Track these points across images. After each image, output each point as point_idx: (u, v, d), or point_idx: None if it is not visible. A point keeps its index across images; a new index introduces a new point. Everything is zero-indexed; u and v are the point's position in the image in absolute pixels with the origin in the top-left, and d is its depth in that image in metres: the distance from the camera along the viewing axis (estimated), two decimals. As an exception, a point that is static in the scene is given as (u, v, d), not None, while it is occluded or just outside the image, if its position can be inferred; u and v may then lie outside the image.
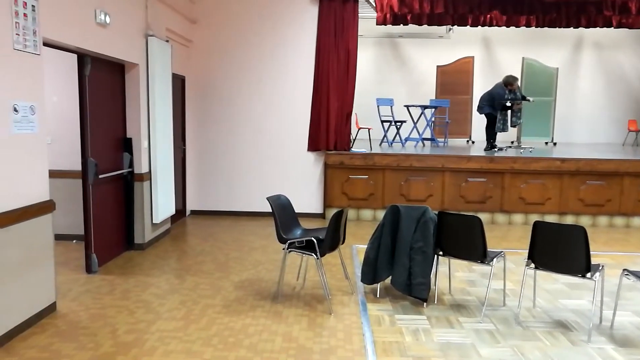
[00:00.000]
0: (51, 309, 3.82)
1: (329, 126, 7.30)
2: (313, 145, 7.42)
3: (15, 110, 3.38)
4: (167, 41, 6.06)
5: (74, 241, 5.79)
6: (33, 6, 3.53)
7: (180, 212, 7.21)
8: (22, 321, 3.48)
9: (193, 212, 7.66)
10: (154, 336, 3.46)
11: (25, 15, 3.44)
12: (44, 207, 3.69)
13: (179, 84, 6.95)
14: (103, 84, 4.95)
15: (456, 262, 4.67)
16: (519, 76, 9.94)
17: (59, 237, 4.97)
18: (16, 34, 3.37)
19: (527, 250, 3.75)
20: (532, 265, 3.76)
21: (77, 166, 5.35)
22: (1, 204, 3.24)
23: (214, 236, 6.34)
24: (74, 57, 4.61)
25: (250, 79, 7.42)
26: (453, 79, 11.17)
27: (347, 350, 3.31)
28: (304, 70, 7.34)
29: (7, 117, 3.30)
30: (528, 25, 7.63)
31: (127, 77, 5.42)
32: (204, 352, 3.24)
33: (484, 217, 3.82)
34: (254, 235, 6.41)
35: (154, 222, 5.79)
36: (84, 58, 4.57)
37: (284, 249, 4.08)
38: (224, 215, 7.59)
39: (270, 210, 4.13)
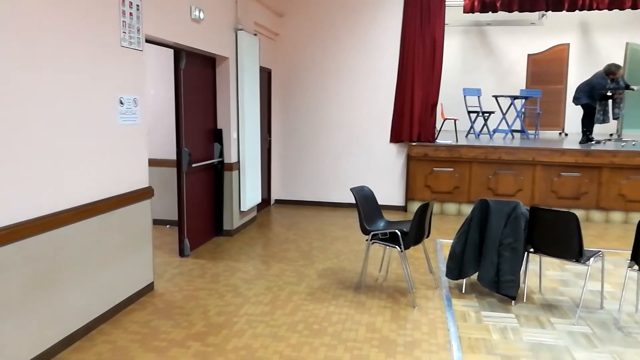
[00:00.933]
0: (149, 288, 4.10)
1: (412, 117, 7.19)
2: (396, 137, 7.34)
3: (121, 102, 3.65)
4: (255, 35, 6.23)
5: (168, 226, 6.16)
6: (138, 5, 3.77)
7: (266, 201, 7.43)
8: (125, 298, 3.76)
9: (277, 202, 7.88)
10: (242, 319, 3.61)
11: (130, 14, 3.69)
12: (144, 193, 3.96)
13: (265, 76, 7.14)
14: (196, 78, 5.20)
15: (547, 260, 4.45)
16: (621, 63, 9.20)
17: (153, 222, 5.31)
18: (123, 32, 3.62)
19: (630, 251, 3.49)
20: (636, 267, 3.50)
21: (170, 155, 5.69)
22: (108, 189, 3.52)
23: (297, 225, 6.49)
24: (167, 52, 4.88)
25: (334, 71, 7.47)
26: (545, 68, 10.55)
27: (431, 345, 3.27)
28: (388, 60, 7.27)
29: (114, 109, 3.57)
30: (634, 7, 7.03)
31: (218, 71, 5.65)
32: (289, 337, 3.33)
33: (577, 214, 3.59)
34: (335, 225, 6.47)
35: (241, 209, 6.02)
36: (179, 53, 4.82)
37: (367, 240, 4.09)
38: (306, 205, 7.73)
39: (352, 202, 4.16)
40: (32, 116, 2.82)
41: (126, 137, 3.72)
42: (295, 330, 3.44)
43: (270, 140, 7.55)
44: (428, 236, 4.23)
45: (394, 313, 3.75)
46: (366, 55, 7.36)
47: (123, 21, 3.61)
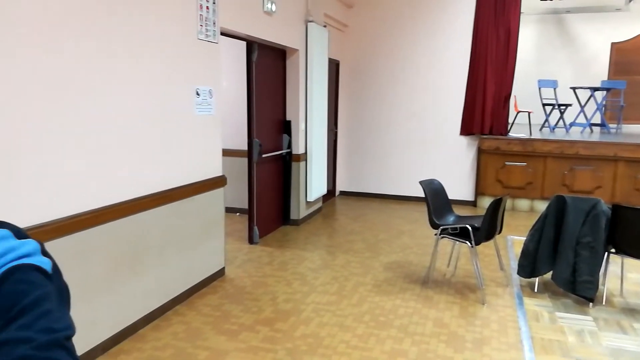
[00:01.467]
0: (221, 273, 4.26)
1: (484, 109, 6.97)
2: (466, 129, 7.15)
3: (197, 94, 3.79)
4: (325, 26, 6.26)
5: (237, 214, 6.35)
6: (214, -1, 3.90)
7: (331, 192, 7.49)
8: (199, 281, 3.93)
9: (342, 193, 7.91)
10: (309, 307, 3.67)
11: (207, 7, 3.82)
12: (218, 182, 4.10)
13: (333, 68, 7.17)
14: (267, 69, 5.30)
15: (630, 262, 4.19)
16: None
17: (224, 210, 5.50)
18: (200, 25, 3.75)
19: None
20: None
21: (240, 146, 5.86)
22: (184, 177, 3.68)
23: (363, 217, 6.49)
24: (238, 45, 4.99)
25: (403, 63, 7.37)
26: (632, 58, 9.89)
27: (501, 343, 3.18)
28: (459, 52, 7.07)
29: (191, 100, 3.71)
30: None
31: (288, 62, 5.73)
32: (356, 327, 3.36)
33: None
34: (401, 218, 6.41)
35: (307, 200, 6.10)
36: (252, 45, 4.93)
37: (435, 234, 4.03)
38: (371, 197, 7.71)
39: (419, 195, 4.10)
40: (127, 108, 3.00)
41: (202, 127, 3.87)
42: (362, 321, 3.46)
43: (336, 132, 7.58)
44: (500, 232, 4.10)
45: (462, 309, 3.68)
46: (436, 46, 7.20)
47: (200, 14, 3.74)
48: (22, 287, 0.87)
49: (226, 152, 6.06)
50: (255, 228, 5.25)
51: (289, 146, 5.81)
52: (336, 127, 7.55)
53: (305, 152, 6.02)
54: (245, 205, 5.49)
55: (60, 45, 2.56)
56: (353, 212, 6.79)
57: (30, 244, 0.93)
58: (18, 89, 2.36)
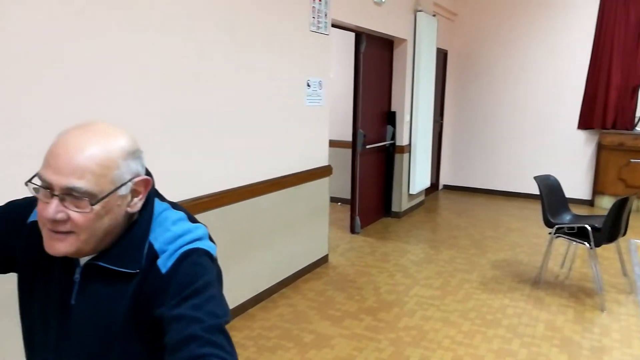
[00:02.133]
0: (324, 260, 4.36)
1: (607, 102, 6.40)
2: (585, 123, 6.62)
3: (308, 85, 3.88)
4: (434, 15, 6.11)
5: (339, 204, 6.44)
6: (326, -9, 3.96)
7: (434, 185, 7.33)
8: (304, 267, 4.05)
9: (446, 187, 7.71)
10: (412, 300, 3.64)
11: (319, 0, 3.89)
12: (324, 171, 4.19)
13: (441, 57, 6.98)
14: (374, 60, 5.29)
15: None
16: None
17: (329, 199, 5.60)
18: (312, 17, 3.83)
19: None
20: None
21: (344, 137, 5.92)
22: (294, 165, 3.80)
23: (468, 212, 6.29)
24: (345, 36, 5.02)
25: (515, 52, 6.98)
26: None
27: (624, 354, 2.94)
28: (580, 39, 6.54)
29: (302, 92, 3.82)
30: None
31: (395, 53, 5.67)
32: (461, 324, 3.27)
33: None
34: (510, 216, 6.11)
35: (410, 192, 6.03)
36: (360, 36, 4.95)
37: (550, 233, 3.80)
38: (477, 192, 7.44)
39: (530, 192, 3.89)
40: (245, 98, 3.16)
41: (311, 118, 3.96)
42: (467, 317, 3.36)
43: (441, 124, 7.39)
44: (624, 234, 3.77)
45: (578, 314, 3.44)
46: (553, 35, 6.73)
47: (313, 7, 3.82)
48: (196, 269, 0.97)
49: (330, 143, 6.18)
50: (357, 218, 5.29)
51: (393, 137, 5.77)
52: (442, 119, 7.36)
53: (409, 144, 5.94)
54: (347, 196, 5.55)
55: (197, 40, 2.75)
56: (457, 207, 6.60)
57: (201, 229, 1.04)
58: (173, 82, 2.58)
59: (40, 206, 0.92)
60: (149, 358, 1.02)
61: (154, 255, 0.99)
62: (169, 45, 2.64)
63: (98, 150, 0.91)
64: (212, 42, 2.91)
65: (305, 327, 3.21)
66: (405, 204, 6.07)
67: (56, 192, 0.90)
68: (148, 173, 1.04)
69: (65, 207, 0.90)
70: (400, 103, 5.75)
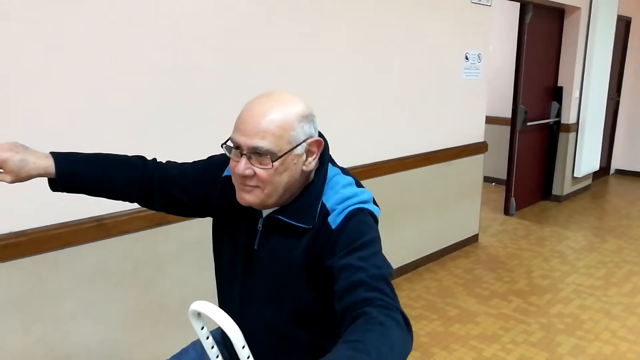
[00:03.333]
0: (474, 239, 4.28)
1: None
2: None
3: (467, 58, 3.79)
4: (616, -21, 5.45)
5: (493, 184, 6.19)
6: (490, -41, 3.78)
7: (604, 169, 6.64)
8: (451, 244, 4.03)
9: (618, 172, 6.93)
10: (569, 287, 3.42)
11: (483, -31, 3.74)
12: (479, 148, 4.08)
13: (622, 26, 6.21)
14: (540, 32, 4.92)
15: None
16: None
17: (482, 178, 5.42)
18: (474, -12, 3.71)
19: None
20: None
21: (502, 113, 5.64)
22: (446, 140, 3.76)
23: (643, 201, 5.62)
24: (508, 7, 4.73)
25: None
26: None
27: None
28: None
29: (459, 65, 3.74)
30: None
31: (566, 23, 5.21)
32: (625, 318, 3.01)
33: None
34: (698, 207, 5.32)
35: (574, 175, 5.56)
36: (525, 6, 4.64)
37: None
38: (657, 179, 6.57)
39: None
40: (401, 71, 3.23)
41: (467, 92, 3.87)
42: (634, 312, 3.07)
43: (618, 101, 6.62)
44: None
45: None
46: None
47: (475, -23, 3.69)
48: (363, 227, 1.08)
49: (488, 120, 5.93)
50: (512, 199, 5.06)
51: (558, 115, 5.34)
52: (618, 96, 6.59)
53: (577, 123, 5.46)
54: (502, 176, 5.31)
55: (373, 11, 2.88)
56: (631, 194, 5.91)
57: (367, 193, 1.16)
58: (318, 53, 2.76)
59: (232, 164, 1.11)
60: (318, 305, 1.16)
61: (325, 213, 1.12)
62: (354, 30, 2.79)
63: (277, 115, 1.05)
64: (385, 12, 3.00)
65: (450, 302, 3.23)
66: (568, 188, 5.62)
67: (244, 152, 1.06)
68: (322, 137, 1.16)
69: (251, 164, 1.06)
70: (568, 78, 5.29)
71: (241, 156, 1.07)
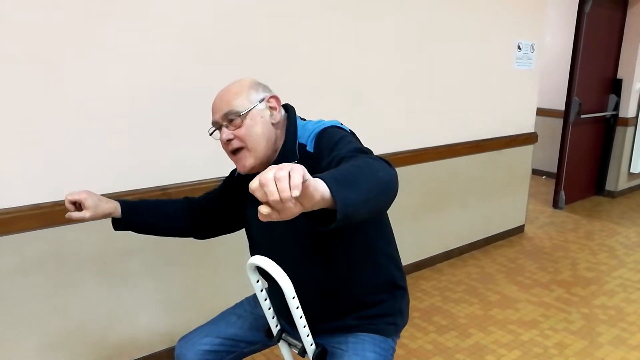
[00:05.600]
0: (519, 230, 4.27)
1: None
2: None
3: (519, 48, 3.78)
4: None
5: (544, 177, 6.09)
6: (549, -53, 3.74)
7: (664, 166, 6.39)
8: (496, 233, 4.05)
9: (679, 170, 6.65)
10: (615, 281, 3.40)
11: (541, -43, 3.70)
12: (529, 138, 4.06)
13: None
14: (600, 21, 4.80)
15: None
16: None
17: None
18: (530, -23, 3.68)
19: None
20: None
21: (555, 105, 5.54)
22: (496, 129, 3.78)
23: None
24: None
25: None
26: None
27: None
28: None
29: (511, 54, 3.73)
30: None
31: (630, 13, 5.04)
32: (672, 313, 2.97)
33: None
34: None
35: (630, 171, 5.41)
36: (586, -5, 4.53)
37: None
38: None
39: None
40: (450, 60, 3.28)
41: (519, 81, 3.86)
42: (682, 309, 3.03)
43: (683, 96, 6.33)
44: None
45: None
46: None
47: (533, -34, 3.66)
48: (331, 134, 1.27)
49: (540, 111, 5.83)
50: (562, 193, 4.99)
51: (616, 108, 5.20)
52: (683, 90, 6.30)
53: (636, 117, 5.29)
54: (553, 169, 5.24)
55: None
56: (691, 193, 5.69)
57: (333, 121, 1.35)
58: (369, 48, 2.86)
59: (221, 143, 1.34)
60: (345, 260, 1.30)
61: (302, 146, 1.32)
62: (404, 19, 2.88)
63: (235, 88, 1.33)
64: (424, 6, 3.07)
65: (491, 288, 3.28)
66: (623, 183, 5.47)
67: (221, 123, 1.32)
68: (289, 108, 1.41)
69: (229, 130, 1.31)
70: (629, 69, 5.13)
71: (221, 129, 1.32)
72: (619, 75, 5.19)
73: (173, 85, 2.19)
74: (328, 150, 1.21)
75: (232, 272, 2.53)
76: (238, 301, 1.64)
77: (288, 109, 1.41)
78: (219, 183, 1.61)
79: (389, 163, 1.07)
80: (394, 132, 3.11)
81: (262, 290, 1.39)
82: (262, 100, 1.33)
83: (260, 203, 0.80)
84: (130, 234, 1.54)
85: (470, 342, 2.65)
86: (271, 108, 1.34)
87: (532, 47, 3.88)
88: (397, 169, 1.33)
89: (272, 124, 1.34)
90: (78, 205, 1.40)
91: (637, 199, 5.38)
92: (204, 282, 2.48)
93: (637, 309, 3.01)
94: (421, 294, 3.19)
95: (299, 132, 1.35)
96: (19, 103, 1.85)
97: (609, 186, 5.43)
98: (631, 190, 5.63)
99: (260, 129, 1.30)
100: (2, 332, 1.97)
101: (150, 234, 1.57)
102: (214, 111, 1.34)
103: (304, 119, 1.42)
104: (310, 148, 1.30)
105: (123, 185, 2.13)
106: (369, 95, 2.94)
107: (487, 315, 2.93)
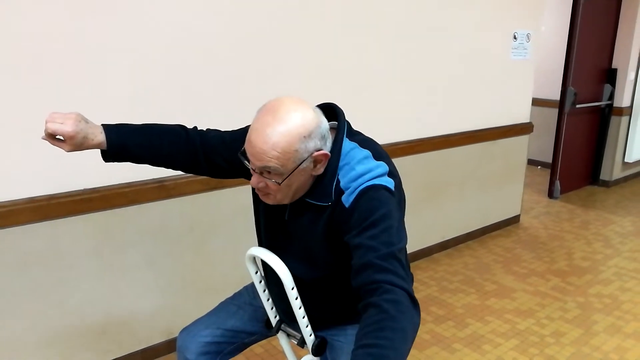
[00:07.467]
0: (515, 220, 4.30)
1: None
2: None
3: (515, 37, 3.77)
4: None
5: (539, 167, 6.12)
6: (545, -63, 3.72)
7: (658, 156, 6.42)
8: (493, 223, 4.08)
9: (673, 159, 6.69)
10: (610, 270, 3.43)
11: (536, -54, 3.69)
12: (524, 128, 4.07)
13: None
14: (596, 11, 4.79)
15: None
16: None
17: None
18: (526, -34, 3.67)
19: None
20: None
21: (550, 96, 5.55)
22: (491, 119, 3.78)
23: (697, 189, 5.44)
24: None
25: None
26: None
27: None
28: None
29: (507, 45, 3.73)
30: None
31: (624, 3, 5.03)
32: (666, 301, 3.01)
33: None
34: None
35: (625, 160, 5.44)
36: (581, -16, 4.53)
37: None
38: None
39: None
40: (448, 51, 3.27)
41: (514, 71, 3.86)
42: (676, 297, 3.06)
43: (677, 86, 6.35)
44: None
45: None
46: None
47: (528, -45, 3.65)
48: (374, 203, 1.13)
49: (535, 102, 5.83)
50: (557, 183, 5.01)
51: (610, 97, 5.22)
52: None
53: (631, 106, 5.31)
54: (548, 159, 5.25)
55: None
56: (685, 182, 5.73)
57: (382, 167, 1.20)
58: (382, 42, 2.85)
59: (251, 172, 1.18)
60: (343, 267, 1.26)
61: (339, 191, 1.18)
62: (401, 7, 2.87)
63: (280, 141, 1.09)
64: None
65: (488, 278, 3.30)
66: (618, 173, 5.50)
67: (255, 170, 1.15)
68: (337, 109, 1.25)
69: (263, 178, 1.15)
70: (624, 59, 5.14)
71: (254, 171, 1.16)
72: (613, 65, 5.20)
73: (174, 84, 2.17)
74: (362, 227, 1.11)
75: (231, 263, 2.53)
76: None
77: (338, 126, 1.22)
78: (233, 132, 1.39)
79: (416, 304, 1.05)
80: (391, 122, 3.11)
81: (260, 281, 1.39)
82: (309, 156, 1.13)
83: None
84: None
85: (468, 331, 2.67)
86: (316, 162, 1.16)
87: (528, 36, 3.88)
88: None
89: (312, 175, 1.19)
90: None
91: (632, 188, 5.42)
92: (203, 274, 2.48)
93: (631, 297, 3.04)
94: (418, 285, 3.20)
95: (341, 162, 1.19)
96: (15, 97, 1.83)
97: (604, 176, 5.46)
98: (626, 179, 5.66)
99: (296, 184, 1.17)
100: (0, 326, 1.97)
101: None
102: (250, 151, 1.13)
103: (353, 135, 1.25)
104: (346, 201, 1.16)
105: (121, 178, 2.13)
106: (366, 86, 2.94)
107: (484, 305, 2.95)
